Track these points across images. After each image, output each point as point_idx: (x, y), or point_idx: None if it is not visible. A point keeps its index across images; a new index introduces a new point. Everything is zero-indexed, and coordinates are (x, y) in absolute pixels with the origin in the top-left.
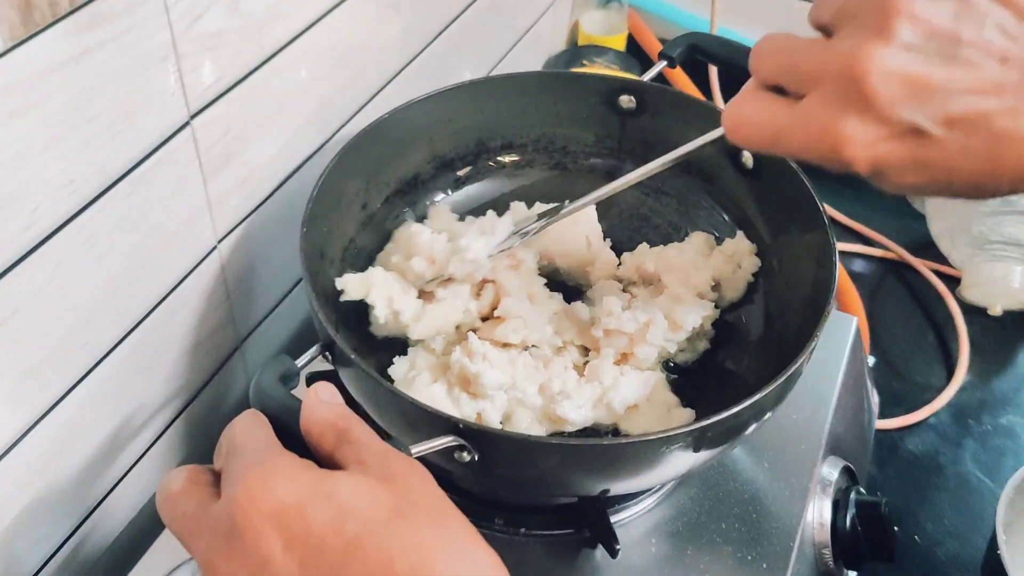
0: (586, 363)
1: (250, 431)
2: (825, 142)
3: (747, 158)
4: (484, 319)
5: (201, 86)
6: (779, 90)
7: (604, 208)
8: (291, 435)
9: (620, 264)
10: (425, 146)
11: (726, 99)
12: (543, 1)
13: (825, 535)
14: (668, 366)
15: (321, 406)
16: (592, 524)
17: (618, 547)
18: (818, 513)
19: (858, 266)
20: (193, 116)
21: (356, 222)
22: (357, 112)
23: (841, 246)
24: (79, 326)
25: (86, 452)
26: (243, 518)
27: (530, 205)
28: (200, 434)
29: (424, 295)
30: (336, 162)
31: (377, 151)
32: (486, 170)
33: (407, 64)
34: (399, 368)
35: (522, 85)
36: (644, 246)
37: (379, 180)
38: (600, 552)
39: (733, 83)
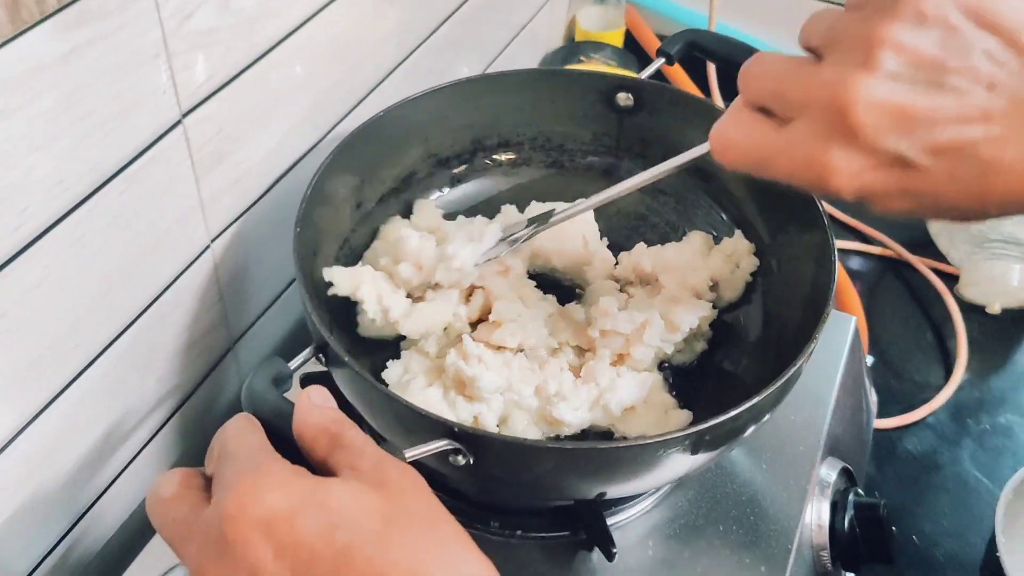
0: (582, 364)
1: (242, 435)
2: (811, 171)
3: None
4: (473, 324)
5: (193, 84)
6: (767, 110)
7: (601, 207)
8: (283, 439)
9: (617, 264)
10: (420, 144)
11: (724, 96)
12: None
13: (823, 537)
14: (665, 367)
15: (314, 410)
16: (588, 527)
17: (615, 550)
18: (816, 515)
19: (856, 264)
20: (185, 114)
21: (351, 221)
22: (352, 109)
23: (839, 243)
24: (71, 327)
25: (78, 453)
26: (233, 526)
27: (526, 204)
28: (193, 435)
29: (413, 296)
30: (330, 161)
31: (372, 149)
32: (482, 168)
33: (403, 60)
34: (393, 372)
35: (518, 82)
36: (641, 245)
37: (374, 179)
38: (596, 555)
39: (731, 80)
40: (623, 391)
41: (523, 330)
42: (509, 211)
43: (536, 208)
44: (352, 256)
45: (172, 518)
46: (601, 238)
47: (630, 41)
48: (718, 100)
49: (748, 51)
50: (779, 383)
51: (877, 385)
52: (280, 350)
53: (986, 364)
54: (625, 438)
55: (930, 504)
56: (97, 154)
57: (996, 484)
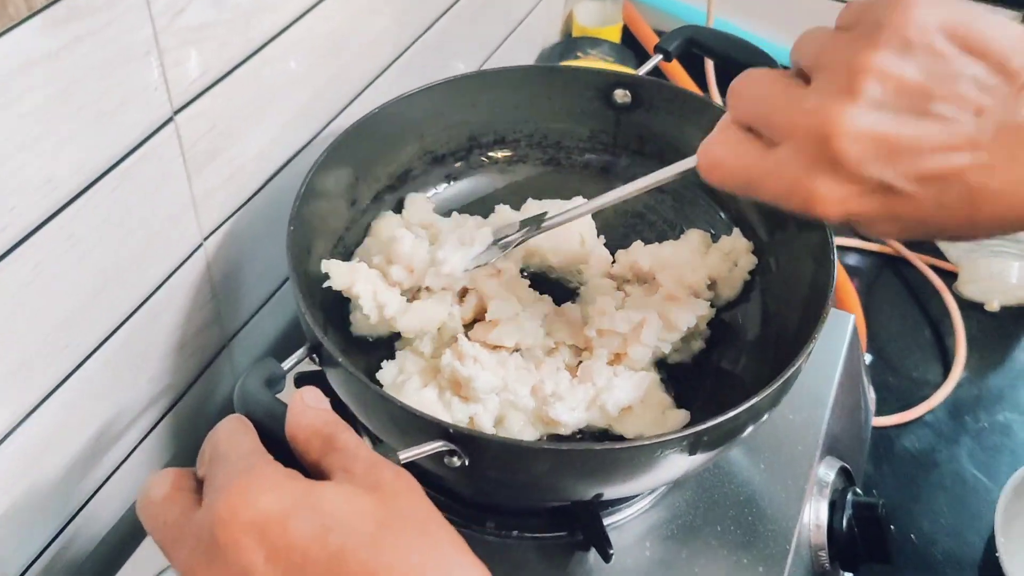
0: (579, 364)
1: (234, 437)
2: (796, 196)
3: None
4: (468, 325)
5: (185, 81)
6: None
7: None
8: (276, 441)
9: (614, 262)
10: (416, 141)
11: (723, 93)
12: None
13: (821, 537)
14: (663, 366)
15: (307, 411)
16: (585, 527)
17: (611, 551)
18: (814, 515)
19: (854, 260)
20: (177, 111)
21: (345, 219)
22: (347, 106)
23: (837, 240)
24: (61, 327)
25: (69, 454)
26: (224, 529)
27: (522, 202)
28: (186, 435)
29: (407, 296)
30: (324, 158)
31: (366, 147)
32: (478, 166)
33: (398, 56)
34: (388, 372)
35: (515, 79)
36: (639, 244)
37: (369, 176)
38: (593, 555)
39: (730, 77)
40: (620, 391)
41: (520, 329)
42: (503, 211)
43: (532, 206)
44: (346, 254)
45: (163, 520)
46: (598, 236)
47: (627, 37)
48: (716, 97)
49: (747, 48)
50: (778, 383)
51: (875, 382)
52: (275, 348)
53: (985, 362)
54: (622, 438)
55: (928, 502)
56: (87, 152)
57: (994, 482)
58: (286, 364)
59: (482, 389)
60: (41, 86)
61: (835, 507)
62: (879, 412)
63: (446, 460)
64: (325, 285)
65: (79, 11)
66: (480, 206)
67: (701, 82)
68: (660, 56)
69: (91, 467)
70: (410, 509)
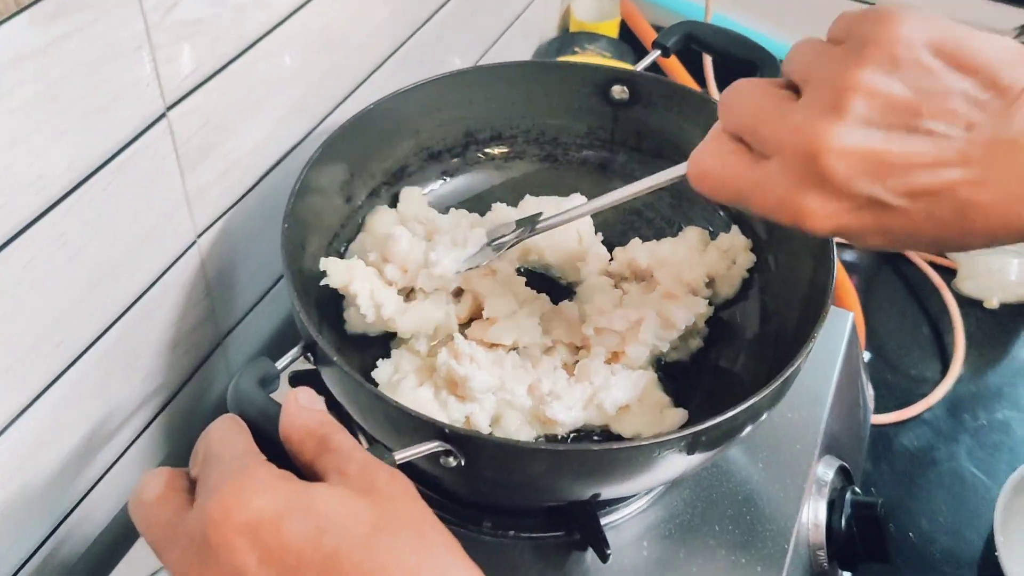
0: (576, 362)
1: (227, 437)
2: (786, 211)
3: None
4: (464, 324)
5: (178, 76)
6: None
7: None
8: (270, 441)
9: (612, 260)
10: (412, 137)
11: (721, 90)
12: None
13: (820, 536)
14: (660, 365)
15: (301, 412)
16: (582, 527)
17: (609, 551)
18: (813, 514)
19: (852, 257)
20: (169, 107)
21: (340, 216)
22: (342, 101)
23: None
24: (53, 324)
25: (62, 453)
26: (216, 530)
27: (520, 198)
28: (180, 433)
29: (406, 298)
30: (319, 154)
31: (362, 143)
32: (475, 162)
33: (394, 51)
34: (383, 371)
35: (512, 75)
36: (636, 241)
37: (364, 173)
38: (591, 555)
39: (728, 74)
40: (617, 390)
41: (518, 327)
42: (500, 209)
43: (530, 203)
44: (341, 251)
45: (155, 521)
46: (596, 234)
47: (625, 32)
48: (714, 93)
49: (745, 44)
50: (777, 382)
51: (873, 380)
52: (270, 346)
53: (983, 359)
54: (620, 438)
55: (927, 501)
56: (78, 148)
57: (993, 480)
58: (280, 363)
59: (478, 388)
60: (31, 82)
61: (834, 506)
62: (878, 409)
63: (442, 460)
64: (323, 283)
65: (69, 6)
66: (477, 203)
67: (699, 78)
68: (658, 52)
69: (84, 466)
70: (404, 511)
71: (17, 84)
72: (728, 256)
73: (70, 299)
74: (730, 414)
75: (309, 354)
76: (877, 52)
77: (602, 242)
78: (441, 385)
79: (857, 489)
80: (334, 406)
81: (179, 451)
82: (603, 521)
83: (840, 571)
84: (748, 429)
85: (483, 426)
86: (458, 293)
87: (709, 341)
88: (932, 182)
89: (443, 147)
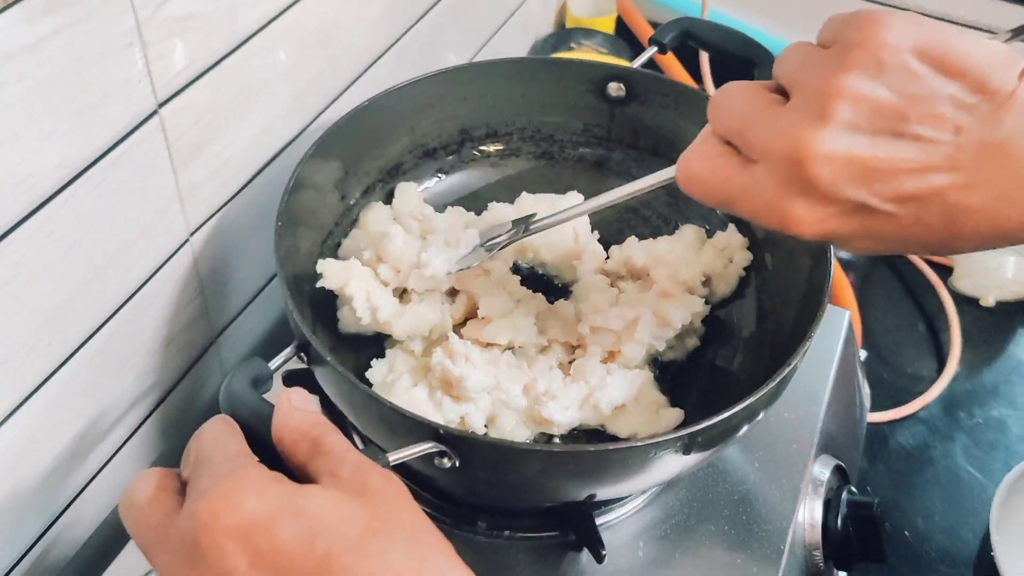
0: (571, 362)
1: (219, 438)
2: (773, 216)
3: None
4: (459, 325)
5: (170, 73)
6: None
7: None
8: (262, 443)
9: (608, 258)
10: (406, 135)
11: (717, 87)
12: None
13: (816, 536)
14: (657, 364)
15: (294, 413)
16: (577, 528)
17: (604, 552)
18: (809, 514)
19: (848, 254)
20: (161, 104)
21: (334, 214)
22: (337, 97)
23: None
24: (45, 324)
25: (53, 454)
26: (207, 533)
27: (515, 196)
28: (174, 433)
29: (400, 298)
30: (313, 151)
31: (356, 140)
32: (470, 160)
33: (390, 47)
34: (378, 371)
35: (507, 71)
36: (633, 239)
37: (358, 170)
38: (586, 555)
39: (725, 71)
40: (613, 389)
41: (514, 326)
42: (496, 209)
43: (527, 200)
44: (335, 250)
45: (145, 522)
46: (592, 232)
47: (621, 28)
48: (711, 90)
49: (742, 40)
50: (774, 382)
51: (869, 378)
52: (264, 344)
53: (979, 357)
54: (616, 438)
55: (922, 499)
56: (67, 147)
57: (989, 479)
58: (274, 363)
59: (473, 388)
60: (20, 79)
61: (830, 506)
62: (873, 408)
63: (436, 461)
64: (318, 285)
65: (58, 2)
66: (472, 200)
67: (696, 75)
68: (655, 48)
69: (76, 467)
70: (398, 514)
71: (6, 81)
72: (725, 254)
73: (61, 297)
74: (726, 414)
75: (302, 354)
76: (862, 57)
77: (598, 240)
78: (436, 385)
79: (853, 488)
80: (328, 405)
81: (172, 451)
82: (598, 521)
83: (836, 571)
84: (744, 429)
85: (478, 427)
86: (453, 293)
87: (706, 340)
88: (920, 187)
89: (438, 144)
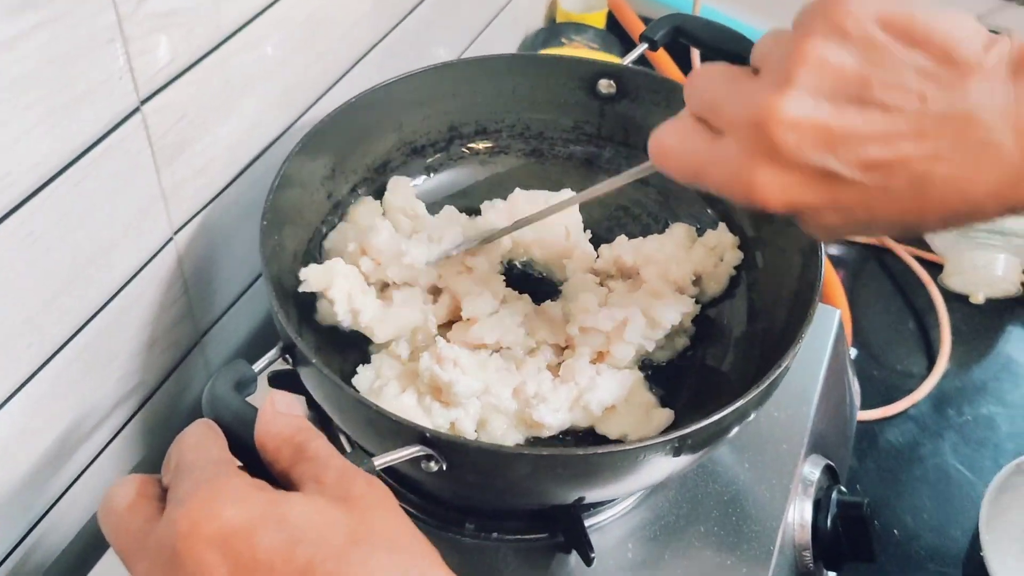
0: (560, 363)
1: (201, 444)
2: (738, 185)
3: None
4: (444, 327)
5: (152, 69)
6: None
7: None
8: (245, 448)
9: (598, 257)
10: (394, 132)
11: None
12: None
13: (806, 536)
14: (647, 364)
15: (278, 419)
16: (566, 530)
17: (593, 555)
18: (799, 514)
19: (837, 251)
20: (143, 101)
21: (321, 212)
22: (324, 94)
23: None
24: (23, 326)
25: (34, 456)
26: (185, 541)
27: (505, 194)
28: (157, 435)
29: (381, 293)
30: (299, 149)
31: (343, 137)
32: (458, 157)
33: (378, 42)
34: (364, 377)
35: (497, 68)
36: (622, 238)
37: (345, 168)
38: (575, 557)
39: None
40: (603, 390)
41: (500, 325)
42: (489, 214)
43: (519, 197)
44: (322, 248)
45: (124, 529)
46: (584, 230)
47: (613, 23)
48: None
49: (734, 37)
50: (765, 383)
51: (859, 375)
52: (250, 344)
53: (969, 355)
54: (606, 439)
55: (911, 497)
56: (46, 146)
57: (978, 477)
58: (258, 365)
59: (463, 393)
60: None
61: (819, 506)
62: (863, 405)
63: (423, 465)
64: (300, 289)
65: None
66: (460, 198)
67: (687, 72)
68: (646, 45)
69: (57, 469)
70: (381, 521)
71: None
72: (715, 253)
73: (42, 298)
74: (716, 417)
75: (287, 355)
76: (826, 26)
77: (589, 239)
78: (424, 391)
79: (843, 488)
80: (314, 406)
81: (155, 454)
82: (587, 523)
83: (825, 571)
84: (735, 430)
85: (468, 431)
86: (436, 292)
87: (696, 340)
88: (885, 154)
89: (426, 141)
